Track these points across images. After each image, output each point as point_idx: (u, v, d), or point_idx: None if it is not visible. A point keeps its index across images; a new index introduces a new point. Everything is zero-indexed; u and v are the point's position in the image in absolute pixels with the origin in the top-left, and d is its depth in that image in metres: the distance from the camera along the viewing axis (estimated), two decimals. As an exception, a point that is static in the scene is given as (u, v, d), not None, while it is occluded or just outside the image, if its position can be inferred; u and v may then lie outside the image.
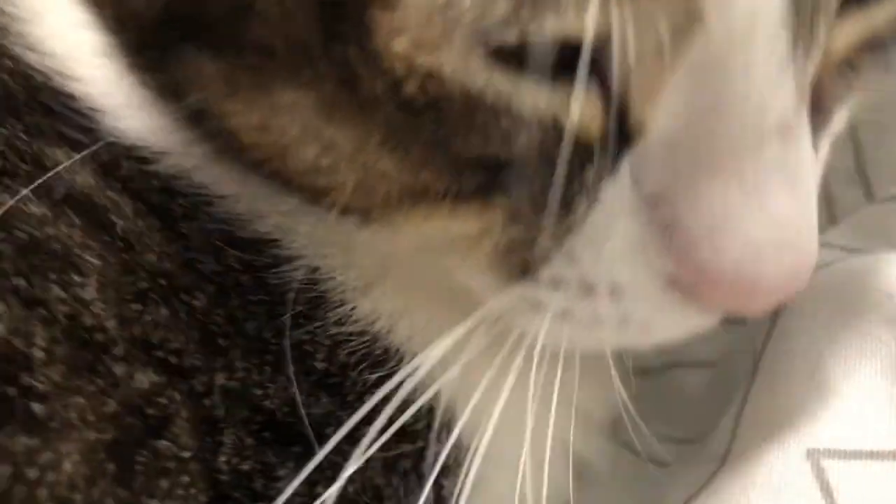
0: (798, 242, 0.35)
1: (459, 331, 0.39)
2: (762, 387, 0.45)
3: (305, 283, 0.41)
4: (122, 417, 0.35)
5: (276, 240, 0.42)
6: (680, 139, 0.34)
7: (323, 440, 0.38)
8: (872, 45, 0.38)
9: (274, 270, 0.41)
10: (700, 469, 0.47)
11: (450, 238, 0.38)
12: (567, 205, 0.35)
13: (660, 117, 0.34)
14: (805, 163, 0.35)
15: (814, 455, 0.41)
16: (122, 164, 0.40)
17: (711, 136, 0.33)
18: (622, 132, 0.34)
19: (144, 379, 0.37)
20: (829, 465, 0.40)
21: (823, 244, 0.49)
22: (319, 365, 0.41)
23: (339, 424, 0.38)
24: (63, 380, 0.35)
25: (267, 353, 0.40)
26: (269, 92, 0.35)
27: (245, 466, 0.38)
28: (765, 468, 0.42)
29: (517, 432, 0.41)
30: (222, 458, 0.38)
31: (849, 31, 0.37)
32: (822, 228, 0.52)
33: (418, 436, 0.43)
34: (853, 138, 0.54)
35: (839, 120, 0.41)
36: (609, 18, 0.30)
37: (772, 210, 0.34)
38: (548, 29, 0.30)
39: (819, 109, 0.37)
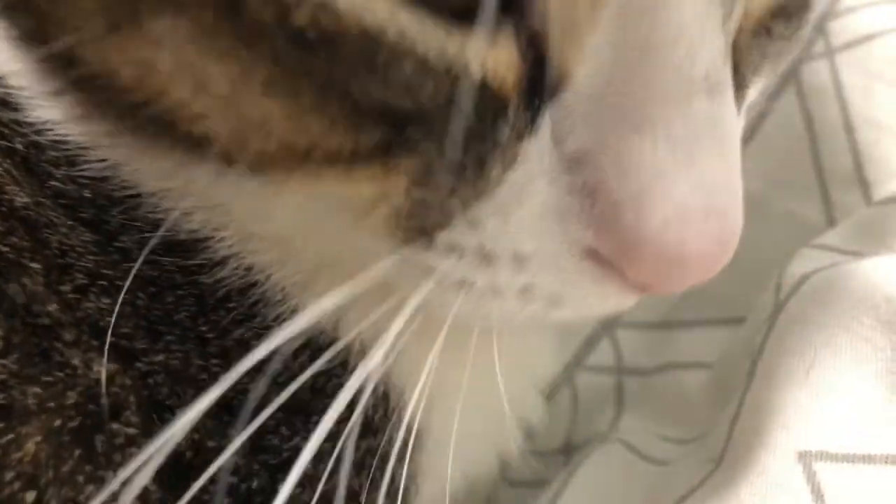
0: (727, 209, 0.33)
1: (347, 290, 0.36)
2: (759, 388, 0.45)
3: (241, 282, 0.40)
4: (83, 405, 0.36)
5: (207, 239, 0.40)
6: (606, 90, 0.32)
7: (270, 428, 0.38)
8: (783, 13, 0.37)
9: (206, 271, 0.40)
10: (696, 469, 0.47)
11: (343, 201, 0.34)
12: (479, 166, 0.32)
13: (584, 65, 0.31)
14: (733, 123, 0.34)
15: (806, 458, 0.41)
16: (54, 174, 0.39)
17: (640, 85, 0.31)
18: (543, 83, 0.32)
19: (98, 367, 0.37)
20: (820, 467, 0.40)
21: (821, 247, 0.50)
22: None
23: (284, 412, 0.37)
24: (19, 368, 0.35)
25: (209, 345, 0.40)
26: (140, 22, 0.31)
27: (208, 444, 0.39)
28: (757, 470, 0.42)
29: (460, 406, 0.40)
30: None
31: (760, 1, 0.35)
32: (821, 231, 0.52)
33: (378, 429, 0.42)
34: (851, 140, 0.54)
35: (753, 93, 0.39)
36: None
37: (702, 172, 0.32)
38: None
39: (736, 73, 0.35)
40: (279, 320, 0.40)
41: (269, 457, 0.40)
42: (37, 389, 0.36)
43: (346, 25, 0.29)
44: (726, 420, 0.47)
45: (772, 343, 0.46)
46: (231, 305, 0.40)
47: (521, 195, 0.33)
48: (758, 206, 0.52)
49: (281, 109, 0.31)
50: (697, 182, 0.32)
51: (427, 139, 0.32)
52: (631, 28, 0.31)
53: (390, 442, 0.41)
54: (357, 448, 0.39)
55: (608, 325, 0.62)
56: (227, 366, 0.36)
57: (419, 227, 0.34)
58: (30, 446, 0.35)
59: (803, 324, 0.45)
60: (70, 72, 0.33)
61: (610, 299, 0.37)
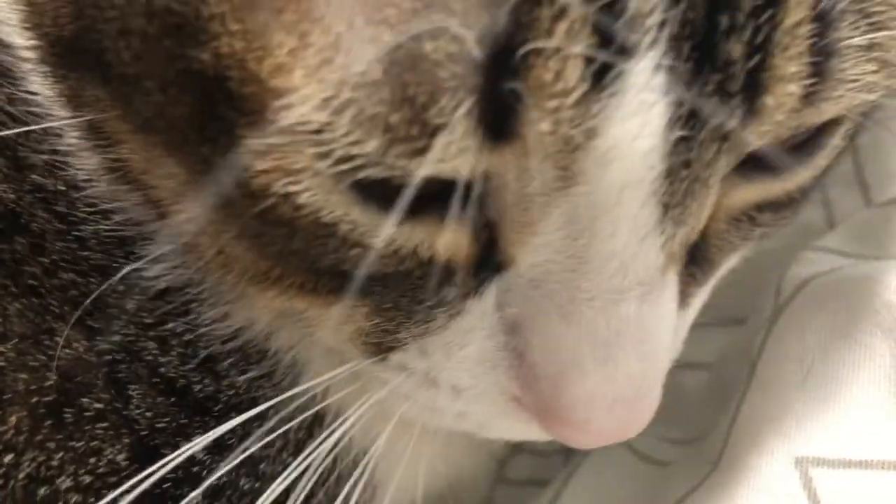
0: (634, 400, 0.37)
1: (318, 382, 0.42)
2: (757, 392, 0.45)
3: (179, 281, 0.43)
4: (60, 384, 0.41)
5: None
6: (544, 280, 0.35)
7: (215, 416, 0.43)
8: (771, 206, 0.40)
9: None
10: (694, 470, 0.48)
11: (310, 315, 0.40)
12: (426, 314, 0.37)
13: (528, 255, 0.35)
14: (661, 322, 0.37)
15: (802, 463, 0.41)
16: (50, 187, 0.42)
17: (573, 284, 0.35)
18: (491, 261, 0.36)
19: (75, 344, 0.41)
20: (817, 473, 0.41)
21: (821, 249, 0.50)
22: (202, 352, 0.44)
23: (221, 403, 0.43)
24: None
25: (149, 330, 0.43)
26: (153, 151, 0.36)
27: (160, 423, 0.42)
28: (754, 474, 0.42)
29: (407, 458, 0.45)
30: (135, 410, 0.42)
31: (742, 195, 0.38)
32: (821, 233, 0.52)
33: (330, 474, 0.46)
34: (851, 142, 0.54)
35: (733, 261, 0.42)
36: (482, 166, 0.31)
37: (615, 367, 0.36)
38: (416, 170, 0.31)
39: (703, 260, 0.39)
40: (212, 321, 0.44)
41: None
42: (24, 375, 0.40)
43: (303, 216, 0.33)
44: (724, 423, 0.47)
45: (770, 347, 0.46)
46: (169, 300, 0.43)
47: (463, 340, 0.38)
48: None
49: (251, 255, 0.37)
50: (610, 377, 0.36)
51: (381, 290, 0.36)
52: (570, 240, 0.34)
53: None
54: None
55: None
56: (165, 353, 0.43)
57: (377, 344, 0.39)
58: (12, 419, 0.40)
59: (802, 329, 0.45)
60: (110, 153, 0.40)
61: (533, 433, 0.40)
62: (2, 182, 0.42)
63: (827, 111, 0.34)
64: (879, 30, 0.34)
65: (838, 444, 0.41)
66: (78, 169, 0.42)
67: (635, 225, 0.33)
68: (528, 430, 0.40)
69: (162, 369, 0.43)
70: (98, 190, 0.42)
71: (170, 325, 0.43)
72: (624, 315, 0.35)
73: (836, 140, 0.38)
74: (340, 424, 0.42)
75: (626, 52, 0.30)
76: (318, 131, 0.30)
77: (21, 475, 0.40)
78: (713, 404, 0.52)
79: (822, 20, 0.32)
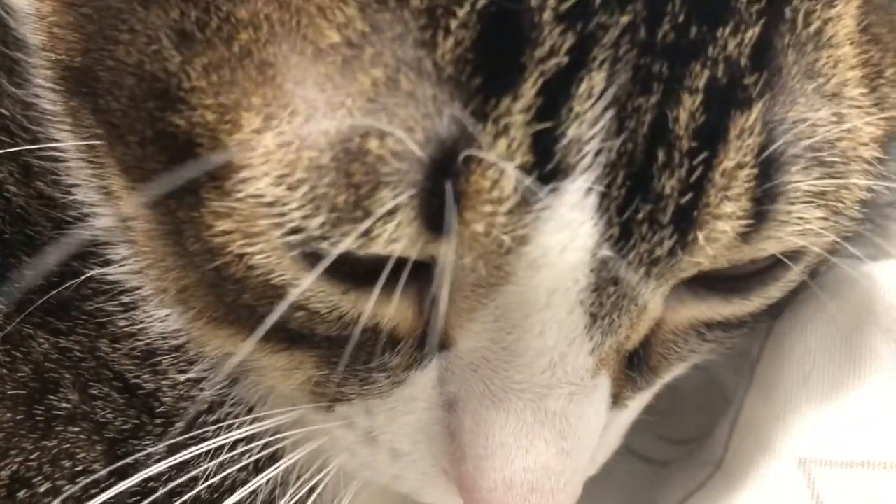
0: (550, 492, 0.38)
1: (270, 423, 0.44)
2: (757, 392, 0.45)
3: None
4: (30, 380, 0.43)
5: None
6: (480, 364, 0.37)
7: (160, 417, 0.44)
8: (721, 326, 0.41)
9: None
10: (696, 471, 0.48)
11: (262, 363, 0.42)
12: (369, 377, 0.39)
13: (466, 339, 0.37)
14: (588, 421, 0.39)
15: (805, 464, 0.41)
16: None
17: (506, 374, 0.37)
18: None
19: (44, 341, 0.43)
20: (820, 473, 0.41)
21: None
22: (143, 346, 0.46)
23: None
24: None
25: (105, 328, 0.45)
26: (129, 190, 0.39)
27: (127, 425, 0.44)
28: (757, 475, 0.42)
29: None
30: (100, 412, 0.43)
31: (691, 312, 0.40)
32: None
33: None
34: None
35: (683, 367, 0.44)
36: (424, 252, 0.33)
37: (538, 458, 0.37)
38: (358, 249, 0.33)
39: (645, 366, 0.41)
40: (155, 317, 0.45)
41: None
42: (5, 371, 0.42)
43: (255, 276, 0.35)
44: (725, 424, 0.47)
45: (770, 348, 0.46)
46: (118, 296, 0.45)
47: (406, 408, 0.40)
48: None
49: (208, 303, 0.39)
50: (531, 466, 0.37)
51: (329, 347, 0.38)
52: (504, 332, 0.36)
53: None
54: None
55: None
56: (115, 350, 0.44)
57: (324, 394, 0.41)
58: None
59: (803, 330, 0.45)
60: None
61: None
62: (12, 185, 0.43)
63: (770, 249, 0.36)
64: (832, 178, 0.35)
65: (841, 444, 0.41)
66: (69, 176, 0.44)
67: (564, 328, 0.35)
68: (458, 502, 0.41)
69: (113, 364, 0.44)
70: (82, 196, 0.44)
71: (120, 322, 0.44)
72: (551, 410, 0.37)
73: (794, 273, 0.40)
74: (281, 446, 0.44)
75: (560, 172, 0.32)
76: (272, 203, 0.33)
77: (4, 475, 0.42)
78: (713, 406, 0.52)
79: (769, 164, 0.34)
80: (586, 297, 0.35)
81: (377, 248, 0.33)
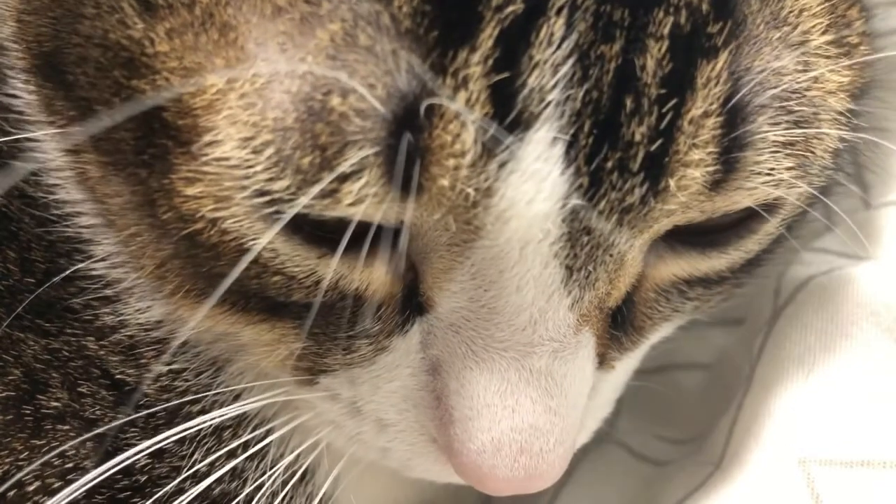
0: (539, 453, 0.38)
1: (256, 403, 0.44)
2: (758, 392, 0.45)
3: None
4: (21, 382, 0.43)
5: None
6: (462, 326, 0.37)
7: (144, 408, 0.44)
8: (702, 282, 0.41)
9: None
10: (695, 471, 0.48)
11: (245, 338, 0.41)
12: (351, 345, 0.39)
13: (445, 300, 0.37)
14: (574, 379, 0.38)
15: (804, 463, 0.41)
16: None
17: (487, 333, 0.37)
18: (415, 301, 0.38)
19: (34, 343, 0.43)
20: (819, 473, 0.41)
21: (820, 250, 0.50)
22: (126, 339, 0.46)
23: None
24: None
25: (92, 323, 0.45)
26: (104, 168, 0.39)
27: (115, 420, 0.43)
28: (756, 474, 0.42)
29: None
30: (89, 409, 0.43)
31: (670, 268, 0.40)
32: (820, 234, 0.52)
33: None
34: (851, 144, 0.54)
35: (662, 335, 0.44)
36: (396, 214, 0.33)
37: (524, 417, 0.37)
38: (325, 211, 0.33)
39: (630, 326, 0.41)
40: (137, 309, 0.45)
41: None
42: None
43: (228, 241, 0.35)
44: (725, 423, 0.47)
45: (770, 348, 0.46)
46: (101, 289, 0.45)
47: (390, 375, 0.39)
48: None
49: (185, 275, 0.39)
50: (519, 425, 0.37)
51: (306, 316, 0.38)
52: (481, 290, 0.36)
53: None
54: None
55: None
56: (101, 346, 0.44)
57: (307, 368, 0.41)
58: None
59: (802, 329, 0.45)
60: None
61: (452, 476, 0.41)
62: None
63: (742, 200, 0.36)
64: (800, 127, 0.35)
65: (841, 444, 0.41)
66: (50, 172, 0.44)
67: (540, 283, 0.35)
68: (446, 473, 0.41)
69: (100, 361, 0.44)
70: (64, 194, 0.44)
71: (105, 317, 0.44)
72: (535, 368, 0.37)
73: (771, 226, 0.40)
74: (265, 434, 0.44)
75: (522, 123, 0.32)
76: (237, 166, 0.33)
77: None
78: (712, 405, 0.52)
79: (735, 113, 0.34)
80: (560, 249, 0.35)
81: (345, 208, 0.33)
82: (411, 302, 0.38)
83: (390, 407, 0.40)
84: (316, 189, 0.32)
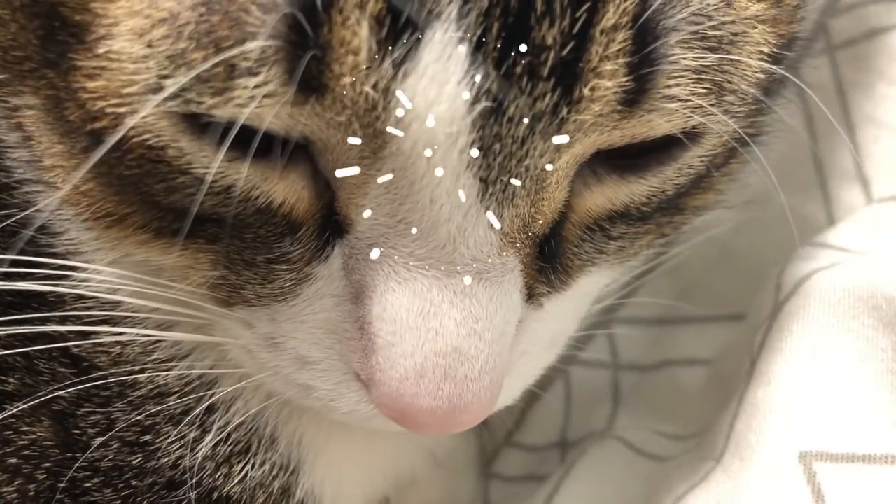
0: (465, 379, 0.36)
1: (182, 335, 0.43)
2: (758, 387, 0.45)
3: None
4: None
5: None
6: (381, 244, 0.36)
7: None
8: (622, 216, 0.40)
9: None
10: (695, 466, 0.47)
11: (161, 265, 0.40)
12: (271, 273, 0.38)
13: (361, 217, 0.36)
14: (499, 304, 0.37)
15: (806, 458, 0.41)
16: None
17: (406, 251, 0.36)
18: (333, 221, 0.37)
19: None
20: (820, 467, 0.40)
21: (821, 245, 0.50)
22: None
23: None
24: None
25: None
26: (16, 87, 0.39)
27: (72, 396, 0.43)
28: (758, 469, 0.42)
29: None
30: (45, 388, 0.43)
31: (594, 199, 0.39)
32: (821, 229, 0.52)
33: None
34: (851, 138, 0.54)
35: (593, 284, 0.43)
36: (301, 121, 0.33)
37: (448, 341, 0.36)
38: (218, 110, 0.33)
39: (557, 263, 0.40)
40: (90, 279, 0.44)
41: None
42: None
43: (133, 138, 0.35)
44: (726, 419, 0.47)
45: (771, 342, 0.46)
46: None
47: (312, 309, 0.38)
48: (757, 204, 0.52)
49: (97, 187, 0.38)
50: (442, 349, 0.36)
51: (222, 235, 0.37)
52: (396, 204, 0.35)
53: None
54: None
55: (604, 321, 0.61)
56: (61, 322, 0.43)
57: (224, 298, 0.40)
58: None
59: (803, 324, 0.44)
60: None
61: (377, 420, 0.40)
62: None
63: (658, 125, 0.35)
64: (714, 52, 0.35)
65: (842, 438, 0.41)
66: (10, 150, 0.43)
67: (454, 195, 0.34)
68: (370, 415, 0.40)
69: (59, 339, 0.44)
70: (14, 164, 0.43)
71: (64, 294, 0.43)
72: (459, 288, 0.36)
73: (692, 157, 0.39)
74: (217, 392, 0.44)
75: (419, 22, 0.31)
76: (133, 60, 0.33)
77: None
78: (712, 400, 0.52)
79: (645, 31, 0.33)
80: (473, 159, 0.34)
81: (245, 110, 0.32)
82: (330, 221, 0.37)
83: (314, 345, 0.39)
84: (217, 85, 0.32)
